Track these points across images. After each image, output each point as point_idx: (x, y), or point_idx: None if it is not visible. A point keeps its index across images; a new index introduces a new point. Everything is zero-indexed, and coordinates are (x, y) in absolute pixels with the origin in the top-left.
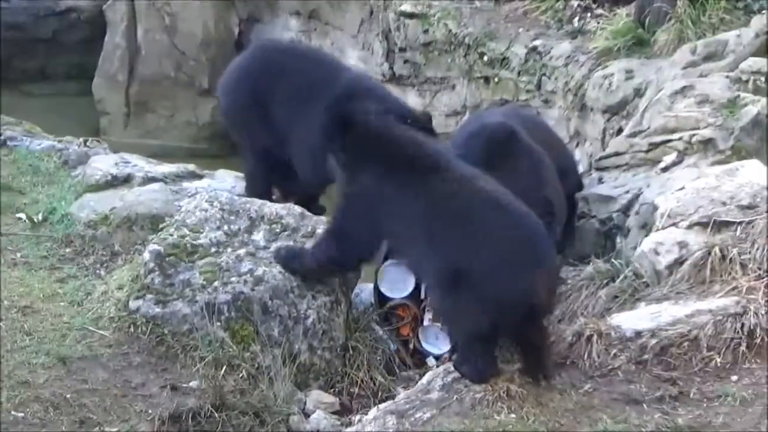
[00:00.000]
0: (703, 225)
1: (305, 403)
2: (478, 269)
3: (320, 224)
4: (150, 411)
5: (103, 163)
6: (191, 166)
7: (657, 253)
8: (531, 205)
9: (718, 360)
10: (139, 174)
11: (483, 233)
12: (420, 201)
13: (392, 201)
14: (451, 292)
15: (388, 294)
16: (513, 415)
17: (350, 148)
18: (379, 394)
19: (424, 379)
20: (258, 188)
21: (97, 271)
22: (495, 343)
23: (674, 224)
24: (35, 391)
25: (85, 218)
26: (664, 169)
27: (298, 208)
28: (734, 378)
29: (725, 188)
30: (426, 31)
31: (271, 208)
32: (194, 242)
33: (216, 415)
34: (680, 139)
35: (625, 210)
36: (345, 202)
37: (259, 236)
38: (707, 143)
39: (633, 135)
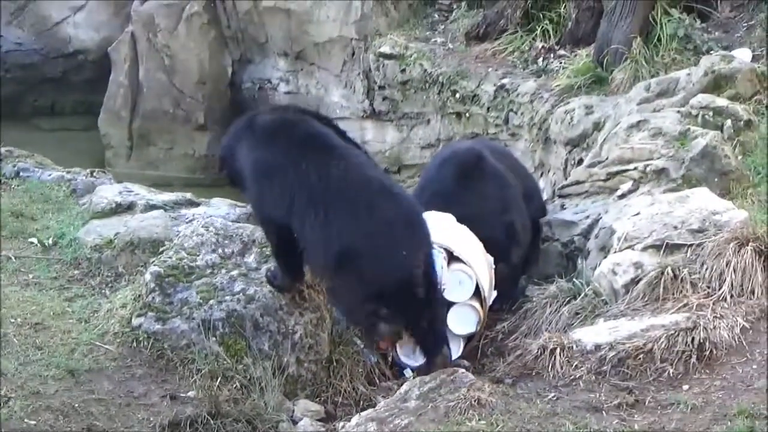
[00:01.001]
0: (656, 247)
1: (293, 411)
2: (361, 250)
3: None
4: (151, 419)
5: (108, 192)
6: (189, 195)
7: (615, 273)
8: (494, 228)
9: (671, 371)
10: (141, 202)
11: (367, 216)
12: (313, 183)
13: (290, 179)
14: (336, 270)
15: None
16: (483, 422)
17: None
18: (361, 402)
19: (402, 389)
20: None
21: (103, 291)
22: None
23: (630, 247)
24: (46, 400)
25: (92, 242)
26: (621, 197)
27: None
28: (686, 387)
29: (677, 214)
30: (403, 71)
31: (262, 232)
32: (191, 264)
33: (212, 422)
34: (636, 168)
35: (586, 234)
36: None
37: (250, 258)
38: (660, 172)
39: (592, 165)
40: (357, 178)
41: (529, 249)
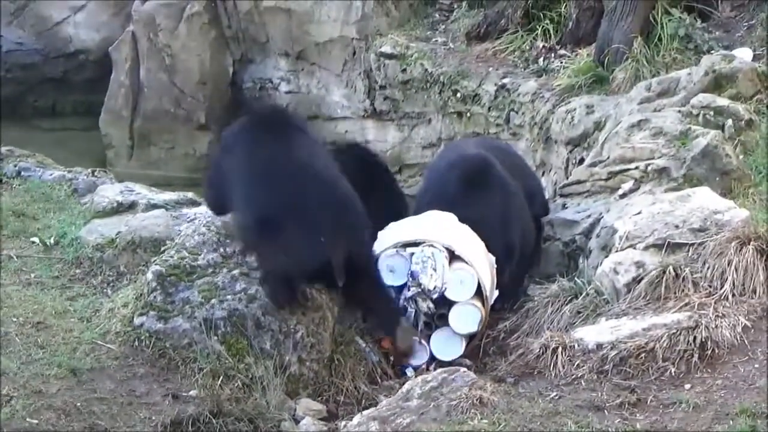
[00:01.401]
0: (658, 246)
1: (295, 410)
2: (281, 230)
3: None
4: (153, 418)
5: (110, 191)
6: (190, 194)
7: (616, 273)
8: (493, 246)
9: (673, 370)
10: (143, 201)
11: (291, 198)
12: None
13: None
14: (258, 235)
15: None
16: (485, 421)
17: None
18: (363, 401)
19: (404, 388)
20: None
21: (105, 290)
22: (294, 284)
23: (632, 246)
24: (48, 400)
25: (93, 242)
26: (623, 196)
27: None
28: (687, 386)
29: (678, 213)
30: (404, 71)
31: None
32: (193, 263)
33: (214, 421)
34: (637, 168)
35: (587, 233)
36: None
37: (252, 258)
38: (661, 172)
39: (593, 165)
40: (291, 162)
41: (531, 248)
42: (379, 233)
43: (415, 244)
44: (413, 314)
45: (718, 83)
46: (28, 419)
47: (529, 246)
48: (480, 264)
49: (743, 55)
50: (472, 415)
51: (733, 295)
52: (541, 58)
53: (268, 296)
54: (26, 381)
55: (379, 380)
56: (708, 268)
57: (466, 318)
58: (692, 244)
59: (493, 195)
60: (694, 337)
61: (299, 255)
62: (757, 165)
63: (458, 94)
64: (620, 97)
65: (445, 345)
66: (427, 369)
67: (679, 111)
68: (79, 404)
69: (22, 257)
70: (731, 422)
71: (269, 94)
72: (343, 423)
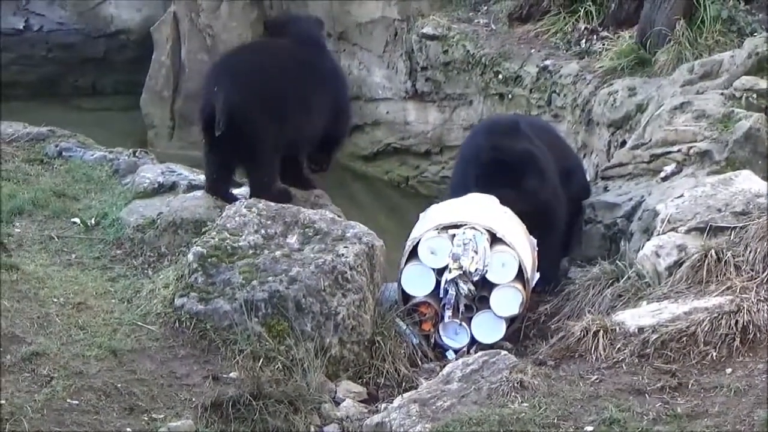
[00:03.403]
0: (700, 230)
1: (335, 393)
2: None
3: (349, 228)
4: (193, 399)
5: (151, 172)
6: None
7: (658, 256)
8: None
9: (714, 354)
10: (184, 182)
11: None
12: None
13: None
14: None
15: (411, 292)
16: (526, 404)
17: None
18: (403, 384)
19: (445, 371)
20: None
21: (145, 271)
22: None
23: (674, 229)
24: (88, 380)
25: (134, 222)
26: (664, 179)
27: (329, 213)
28: (729, 370)
29: (720, 196)
30: (446, 52)
31: (304, 213)
32: (234, 245)
33: (254, 403)
34: (679, 151)
35: (629, 216)
36: None
37: (293, 239)
38: (704, 155)
39: (635, 147)
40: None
41: (570, 230)
42: (421, 215)
43: (457, 226)
44: (454, 297)
45: (761, 66)
46: (68, 400)
47: (560, 220)
48: (521, 246)
49: None
50: (513, 398)
51: None
52: (583, 40)
53: None
54: (67, 362)
55: (420, 363)
56: (750, 252)
57: (507, 301)
58: (734, 228)
59: (518, 142)
60: (736, 321)
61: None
62: None
63: (500, 76)
64: (662, 79)
65: (486, 328)
66: (468, 352)
67: (722, 94)
68: (119, 385)
69: (63, 238)
70: None
71: None
72: (384, 405)
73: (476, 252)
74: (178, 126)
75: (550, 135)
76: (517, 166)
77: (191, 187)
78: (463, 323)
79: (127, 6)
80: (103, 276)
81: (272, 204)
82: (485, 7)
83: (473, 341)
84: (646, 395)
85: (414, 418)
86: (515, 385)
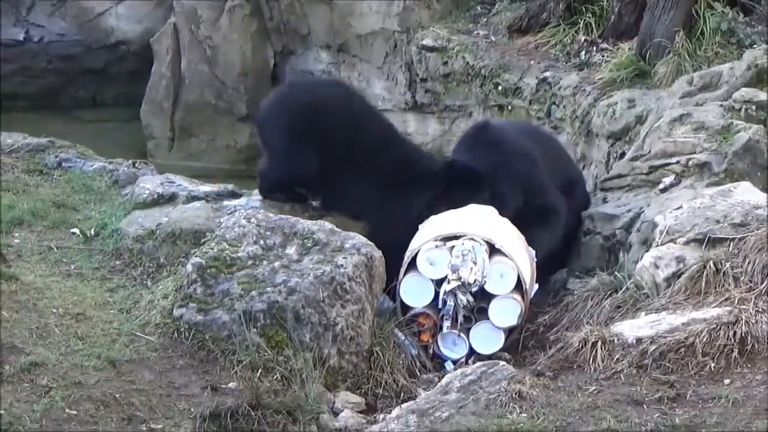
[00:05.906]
0: (698, 241)
1: (334, 403)
2: None
3: (348, 239)
4: (192, 409)
5: (150, 183)
6: (230, 186)
7: (656, 267)
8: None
9: (713, 365)
10: (183, 193)
11: None
12: None
13: None
14: None
15: (409, 303)
16: (524, 415)
17: None
18: (402, 394)
19: (443, 382)
20: None
21: (144, 282)
22: None
23: (672, 240)
24: (87, 390)
25: (134, 233)
26: (663, 190)
27: (328, 224)
28: (727, 381)
29: (719, 208)
30: (445, 63)
31: (303, 224)
32: (233, 255)
33: (252, 413)
34: (678, 162)
35: (627, 227)
36: None
37: (292, 250)
38: (703, 166)
39: (635, 159)
40: None
41: (569, 241)
42: (420, 226)
43: (456, 237)
44: (453, 307)
45: (760, 77)
46: (67, 410)
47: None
48: (520, 257)
49: None
50: (511, 408)
51: None
52: (583, 52)
53: None
54: (65, 372)
55: (418, 373)
56: (749, 263)
57: (505, 311)
58: (733, 239)
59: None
60: (734, 332)
61: None
62: None
63: (499, 87)
64: (662, 91)
65: (485, 338)
66: (467, 362)
67: (721, 105)
68: (117, 395)
69: (62, 248)
70: None
71: None
72: (382, 416)
73: (475, 263)
74: (178, 137)
75: (550, 144)
76: None
77: (190, 198)
78: (462, 334)
79: (127, 17)
80: (102, 286)
81: (271, 215)
82: (485, 19)
83: (472, 352)
84: (645, 406)
85: (412, 428)
86: (514, 395)
